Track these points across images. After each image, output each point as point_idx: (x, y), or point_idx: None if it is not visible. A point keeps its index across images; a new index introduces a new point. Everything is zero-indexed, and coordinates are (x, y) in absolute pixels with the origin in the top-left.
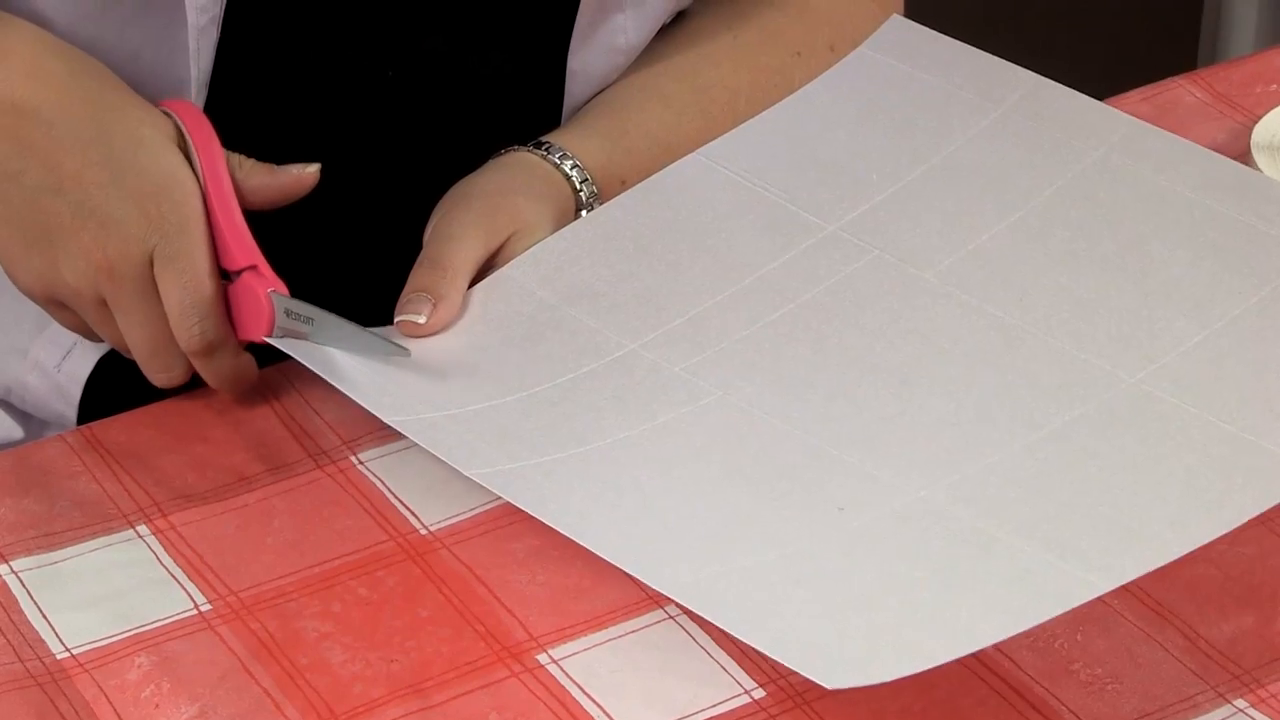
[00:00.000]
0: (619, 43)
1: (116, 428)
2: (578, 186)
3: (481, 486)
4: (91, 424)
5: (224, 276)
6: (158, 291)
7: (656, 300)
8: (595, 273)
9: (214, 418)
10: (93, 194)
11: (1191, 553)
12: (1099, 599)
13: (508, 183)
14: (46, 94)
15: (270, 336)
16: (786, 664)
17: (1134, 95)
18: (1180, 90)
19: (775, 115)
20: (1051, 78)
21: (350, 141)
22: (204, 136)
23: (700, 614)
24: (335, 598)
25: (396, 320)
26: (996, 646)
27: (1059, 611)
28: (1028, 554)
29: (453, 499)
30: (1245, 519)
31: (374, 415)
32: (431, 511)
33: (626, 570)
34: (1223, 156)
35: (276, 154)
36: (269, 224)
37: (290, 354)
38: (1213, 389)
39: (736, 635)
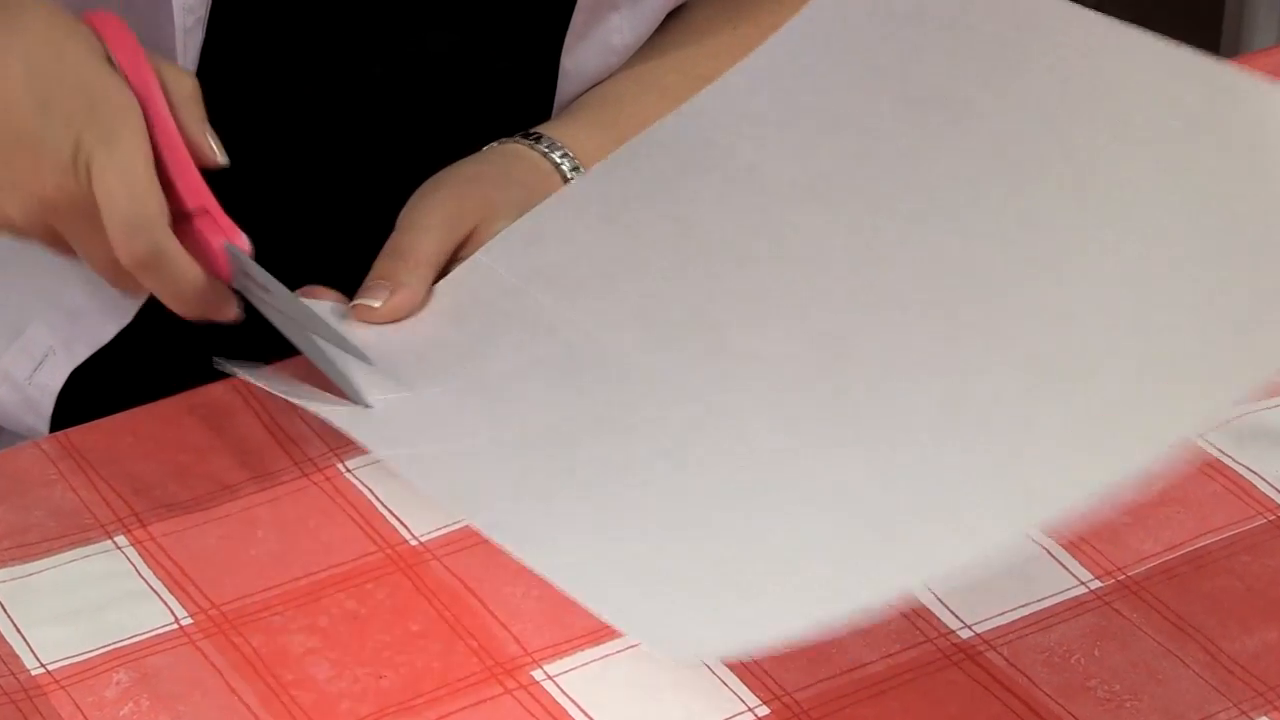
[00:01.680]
0: (614, 42)
1: (94, 434)
2: (568, 176)
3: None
4: (68, 430)
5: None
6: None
7: (613, 274)
8: (559, 250)
9: (195, 423)
10: (14, 117)
11: (1213, 565)
12: (1117, 613)
13: (481, 172)
14: None
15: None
16: (636, 637)
17: None
18: None
19: (748, 67)
20: None
21: (338, 139)
22: (131, 53)
23: (562, 589)
24: (322, 611)
25: (352, 305)
26: (1010, 661)
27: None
28: (924, 529)
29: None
30: (1164, 452)
31: None
32: (422, 521)
33: (504, 548)
34: (1198, 53)
35: (263, 152)
36: (257, 224)
37: (254, 382)
38: (1147, 311)
39: (585, 605)
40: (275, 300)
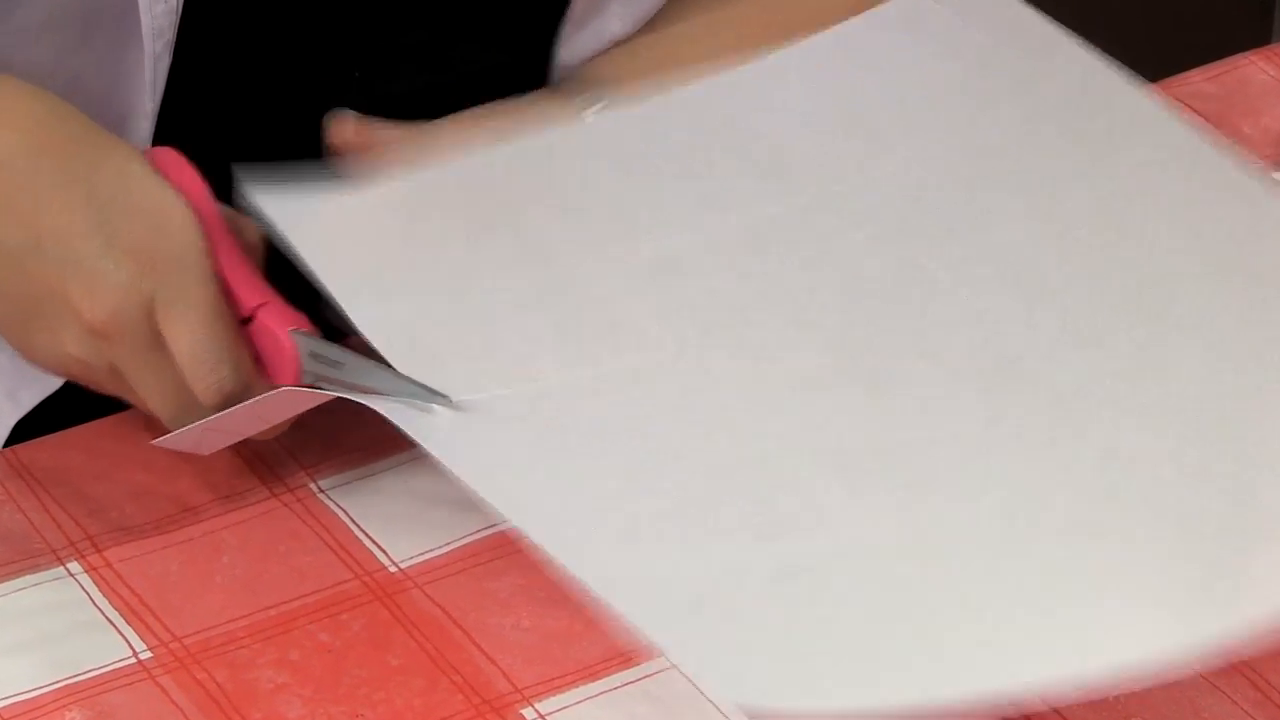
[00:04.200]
0: (613, 29)
1: (45, 451)
2: None
3: (459, 518)
4: (15, 447)
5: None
6: (166, 345)
7: (626, 221)
8: (565, 180)
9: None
10: (75, 245)
11: None
12: None
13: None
14: (21, 140)
15: (301, 384)
16: (687, 670)
17: (1199, 74)
18: (1251, 68)
19: (801, 52)
20: (1113, 52)
21: (320, 149)
22: (189, 178)
23: (603, 600)
24: (293, 644)
25: None
26: (1043, 698)
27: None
28: (966, 633)
29: (426, 532)
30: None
31: (337, 439)
32: (402, 546)
33: (535, 541)
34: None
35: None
36: None
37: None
38: (1217, 462)
39: (642, 633)
40: (349, 373)
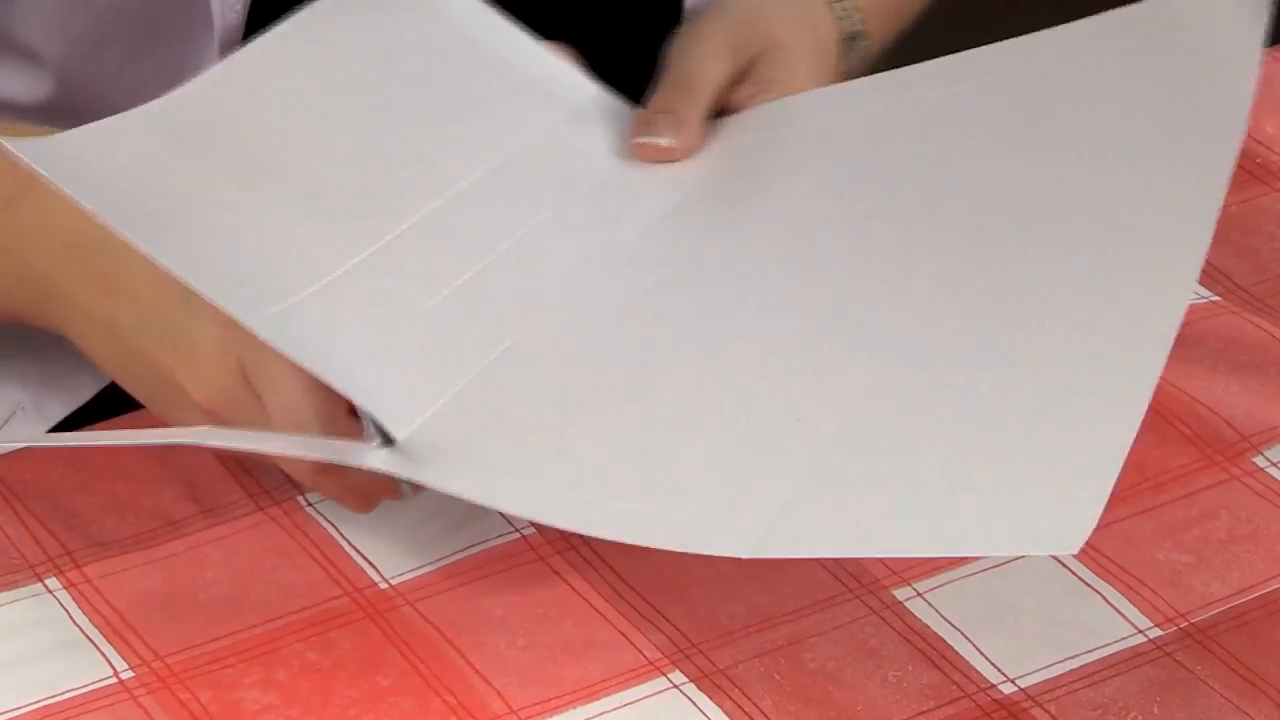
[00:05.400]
0: None
1: (22, 463)
2: (848, 32)
3: (452, 533)
4: None
5: None
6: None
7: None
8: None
9: (136, 452)
10: (170, 317)
11: None
12: (1180, 665)
13: (760, 2)
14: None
15: None
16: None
17: None
18: (1276, 65)
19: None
20: None
21: None
22: None
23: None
24: (280, 663)
25: (636, 142)
26: (1056, 718)
27: None
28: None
29: (417, 548)
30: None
31: None
32: (393, 562)
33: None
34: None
35: None
36: None
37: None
38: None
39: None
40: None
